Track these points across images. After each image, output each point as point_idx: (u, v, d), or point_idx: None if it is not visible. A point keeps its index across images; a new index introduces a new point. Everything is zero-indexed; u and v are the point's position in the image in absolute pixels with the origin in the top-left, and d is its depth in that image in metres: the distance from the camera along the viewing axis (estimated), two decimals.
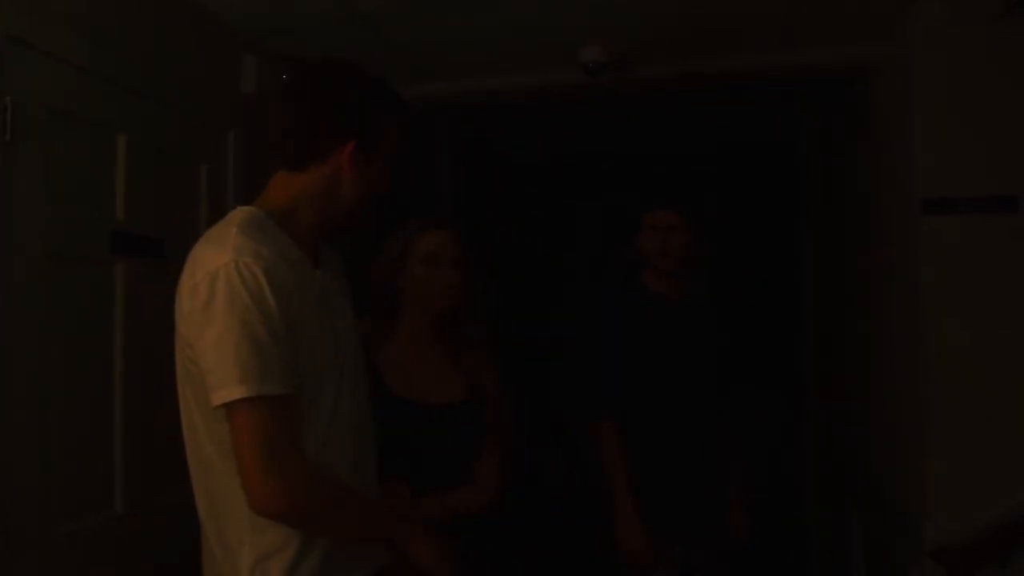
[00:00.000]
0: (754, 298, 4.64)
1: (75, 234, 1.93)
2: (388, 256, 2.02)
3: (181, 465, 1.47)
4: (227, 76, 2.54)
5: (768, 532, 3.17)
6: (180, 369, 1.42)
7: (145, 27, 2.17)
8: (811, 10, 2.49)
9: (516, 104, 3.65)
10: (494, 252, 4.73)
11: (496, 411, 2.05)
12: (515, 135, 4.86)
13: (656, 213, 2.50)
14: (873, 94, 2.81)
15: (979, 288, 2.37)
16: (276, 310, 1.31)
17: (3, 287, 1.72)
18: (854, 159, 3.15)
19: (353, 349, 1.54)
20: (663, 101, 4.00)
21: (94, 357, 1.99)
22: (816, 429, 3.99)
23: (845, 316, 3.39)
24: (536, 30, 2.61)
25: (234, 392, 1.28)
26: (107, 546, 1.98)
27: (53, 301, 1.84)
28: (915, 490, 2.47)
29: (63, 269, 1.87)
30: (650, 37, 2.68)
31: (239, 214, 1.42)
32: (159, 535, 2.12)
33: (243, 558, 1.38)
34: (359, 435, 1.51)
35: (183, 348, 1.39)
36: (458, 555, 1.90)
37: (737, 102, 4.00)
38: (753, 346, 3.88)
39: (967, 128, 2.39)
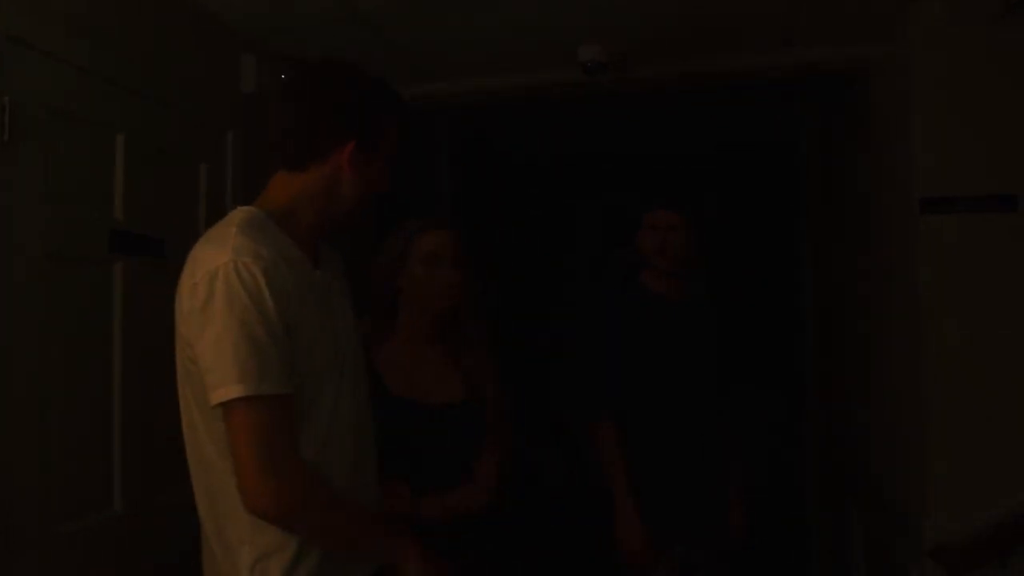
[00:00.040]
0: (754, 298, 4.64)
1: (74, 234, 1.93)
2: (388, 256, 2.02)
3: (180, 465, 1.47)
4: (226, 76, 2.53)
5: (768, 532, 3.17)
6: (180, 368, 1.42)
7: (145, 27, 2.17)
8: (811, 10, 2.49)
9: (516, 104, 3.65)
10: (494, 252, 4.73)
11: (496, 411, 2.05)
12: (515, 135, 4.86)
13: (655, 213, 2.50)
14: (873, 94, 2.81)
15: (978, 287, 2.37)
16: (274, 310, 1.32)
17: (3, 287, 1.72)
18: (854, 159, 3.15)
19: (353, 349, 1.54)
20: (663, 101, 4.00)
21: (93, 357, 1.99)
22: (816, 429, 3.98)
23: (845, 316, 3.39)
24: (535, 30, 2.61)
25: (232, 391, 1.28)
26: (107, 546, 1.98)
27: (52, 301, 1.84)
28: (915, 490, 2.46)
29: (62, 269, 1.87)
30: (649, 37, 2.68)
31: (239, 214, 1.42)
32: (158, 535, 2.11)
33: (243, 557, 1.38)
34: (359, 435, 1.51)
35: (183, 348, 1.39)
36: (456, 561, 1.91)
37: (737, 102, 4.00)
38: (753, 346, 3.87)
39: (966, 128, 2.39)
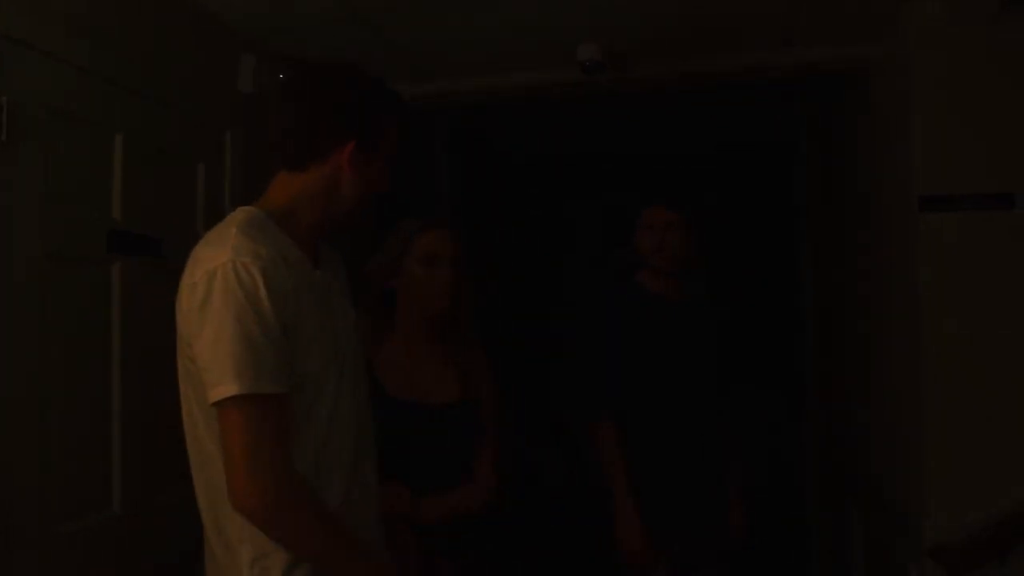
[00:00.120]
0: (754, 298, 4.64)
1: (73, 234, 1.92)
2: (386, 256, 2.02)
3: (180, 465, 1.47)
4: (225, 76, 2.53)
5: (768, 532, 3.17)
6: (181, 367, 1.42)
7: (144, 27, 2.17)
8: (810, 9, 2.49)
9: (515, 104, 3.65)
10: (494, 252, 4.73)
11: (493, 411, 2.05)
12: (514, 135, 4.86)
13: (653, 212, 2.50)
14: (873, 93, 2.81)
15: (977, 286, 2.37)
16: (271, 310, 1.32)
17: (2, 287, 1.72)
18: (854, 158, 3.15)
19: (353, 349, 1.54)
20: (663, 101, 4.00)
21: (92, 357, 1.99)
22: (816, 429, 3.98)
23: (845, 316, 3.39)
24: (534, 30, 2.61)
25: (228, 389, 1.29)
26: (106, 546, 1.98)
27: (51, 301, 1.84)
28: (915, 490, 2.46)
29: (61, 269, 1.87)
30: (648, 36, 2.68)
31: (239, 214, 1.43)
32: (158, 535, 2.11)
33: (243, 555, 1.38)
34: (359, 435, 1.51)
35: (183, 347, 1.39)
36: (456, 561, 1.91)
37: (737, 102, 4.00)
38: (753, 346, 3.88)
39: (966, 127, 2.39)
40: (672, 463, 2.41)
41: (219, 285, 1.30)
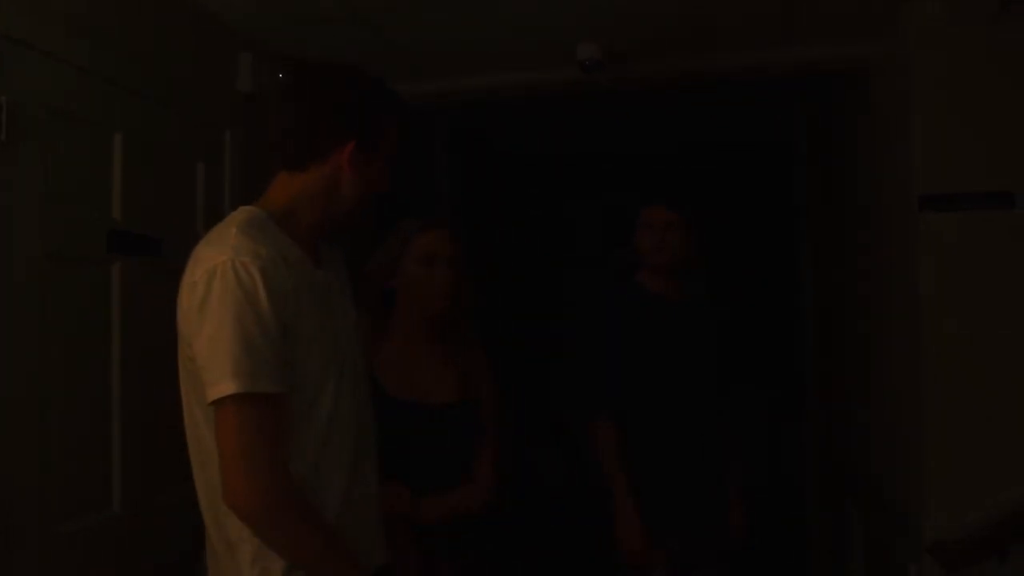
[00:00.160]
0: (754, 298, 4.64)
1: (73, 234, 1.92)
2: (387, 256, 2.02)
3: (180, 465, 1.47)
4: (225, 75, 2.53)
5: (768, 532, 3.17)
6: (182, 367, 1.42)
7: (144, 27, 2.17)
8: (809, 8, 2.49)
9: (515, 103, 3.65)
10: (494, 252, 4.73)
11: (493, 410, 2.05)
12: (514, 135, 4.86)
13: (653, 211, 2.50)
14: (873, 93, 2.81)
15: (977, 286, 2.37)
16: (269, 310, 1.32)
17: (2, 287, 1.72)
18: (854, 158, 3.15)
19: (353, 349, 1.54)
20: (663, 101, 4.00)
21: (92, 357, 1.99)
22: (816, 429, 3.98)
23: (845, 316, 3.39)
24: (534, 29, 2.61)
25: (226, 388, 1.29)
26: (106, 546, 1.98)
27: (51, 301, 1.84)
28: (915, 490, 2.46)
29: (61, 269, 1.87)
30: (648, 35, 2.68)
31: (240, 214, 1.43)
32: (158, 535, 2.11)
33: (244, 553, 1.38)
34: (360, 435, 1.51)
35: (184, 346, 1.39)
36: (456, 561, 1.91)
37: (737, 102, 4.00)
38: (753, 346, 3.88)
39: (966, 126, 2.39)
40: (672, 463, 2.41)
41: (218, 284, 1.31)
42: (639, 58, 2.86)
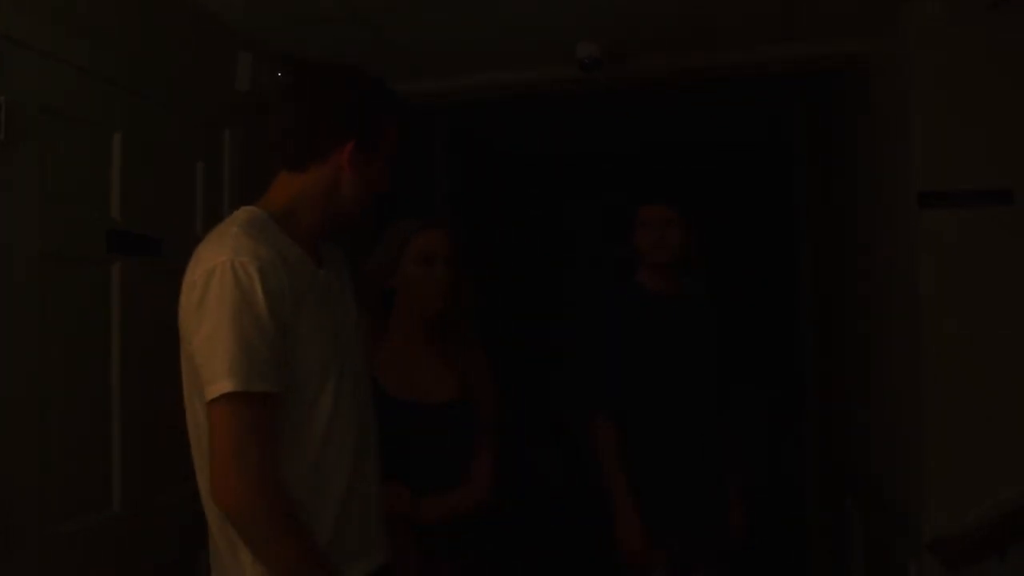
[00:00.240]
0: (754, 298, 4.64)
1: (72, 234, 1.92)
2: (385, 256, 2.02)
3: (179, 465, 1.47)
4: (225, 75, 2.53)
5: (768, 532, 3.17)
6: (183, 365, 1.43)
7: (143, 27, 2.16)
8: (809, 7, 2.49)
9: (515, 103, 3.65)
10: (494, 252, 4.73)
11: (493, 410, 2.05)
12: (513, 134, 4.86)
13: (651, 208, 2.50)
14: (872, 92, 2.81)
15: (977, 284, 2.37)
16: (267, 310, 1.32)
17: (1, 287, 1.72)
18: (853, 157, 3.15)
19: (354, 348, 1.54)
20: (663, 100, 4.00)
21: (92, 357, 1.99)
22: (816, 429, 3.98)
23: (845, 316, 3.39)
24: (534, 28, 2.61)
25: (221, 386, 1.30)
26: (106, 546, 1.98)
27: (51, 301, 1.83)
28: (914, 489, 2.46)
29: (61, 269, 1.86)
30: (647, 33, 2.68)
31: (241, 214, 1.43)
32: (158, 535, 2.11)
33: (245, 553, 1.38)
34: (360, 434, 1.51)
35: (185, 345, 1.40)
36: (456, 561, 1.91)
37: (737, 102, 4.01)
38: (753, 345, 3.88)
39: (965, 125, 2.39)
40: (672, 462, 2.41)
41: (216, 284, 1.31)
42: (639, 57, 2.86)
